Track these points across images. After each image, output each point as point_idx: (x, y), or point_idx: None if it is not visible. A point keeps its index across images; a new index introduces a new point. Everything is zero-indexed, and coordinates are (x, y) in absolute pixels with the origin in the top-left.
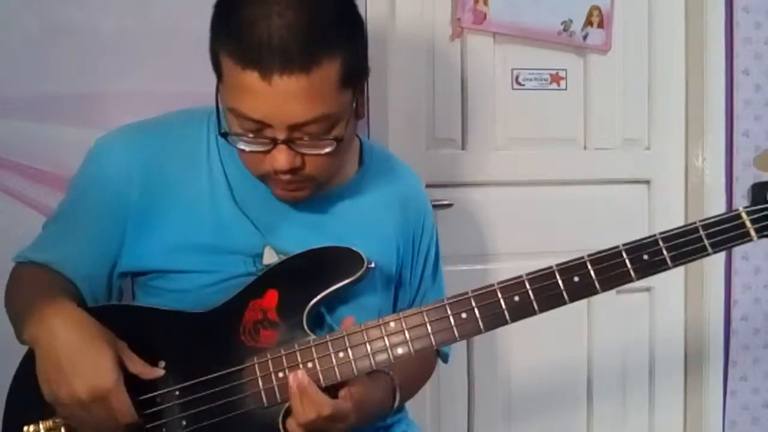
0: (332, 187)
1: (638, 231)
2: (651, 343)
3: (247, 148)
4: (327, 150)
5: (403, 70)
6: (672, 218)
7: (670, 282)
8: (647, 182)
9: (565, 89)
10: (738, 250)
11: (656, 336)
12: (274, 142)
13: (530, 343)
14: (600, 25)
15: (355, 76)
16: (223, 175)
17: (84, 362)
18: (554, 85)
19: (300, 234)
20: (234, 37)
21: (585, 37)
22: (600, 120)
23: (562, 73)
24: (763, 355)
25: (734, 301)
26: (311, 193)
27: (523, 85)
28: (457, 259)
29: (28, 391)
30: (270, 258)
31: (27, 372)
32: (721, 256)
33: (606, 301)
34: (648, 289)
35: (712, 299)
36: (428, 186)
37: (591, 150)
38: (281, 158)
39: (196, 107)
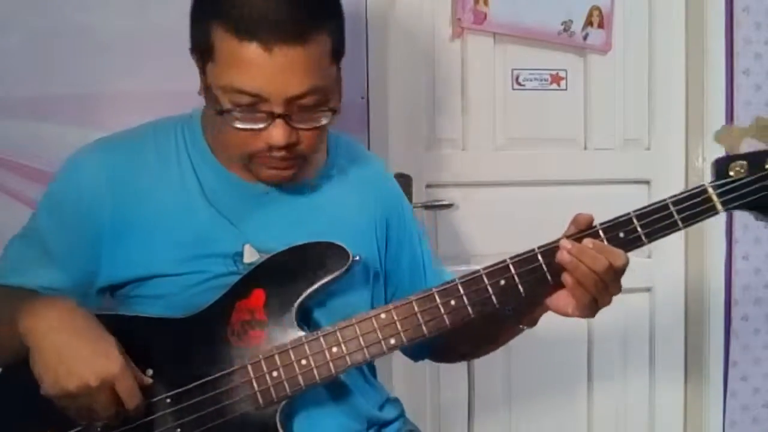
0: (304, 178)
1: None
2: (651, 342)
3: (243, 126)
4: (323, 122)
5: (403, 70)
6: None
7: (671, 281)
8: (647, 182)
9: (565, 89)
10: (739, 251)
11: (656, 335)
12: (271, 117)
13: (530, 344)
14: (600, 26)
15: (341, 51)
16: (195, 178)
17: (88, 348)
18: (554, 86)
19: (278, 230)
20: (230, 9)
21: (585, 38)
22: (600, 120)
23: (562, 74)
24: (763, 355)
25: (735, 301)
26: (297, 173)
27: (523, 85)
28: (457, 259)
29: (9, 415)
30: (250, 256)
31: (5, 392)
32: (722, 256)
33: None
34: (648, 289)
35: (713, 299)
36: (428, 186)
37: (591, 150)
38: (279, 133)
39: (167, 117)
